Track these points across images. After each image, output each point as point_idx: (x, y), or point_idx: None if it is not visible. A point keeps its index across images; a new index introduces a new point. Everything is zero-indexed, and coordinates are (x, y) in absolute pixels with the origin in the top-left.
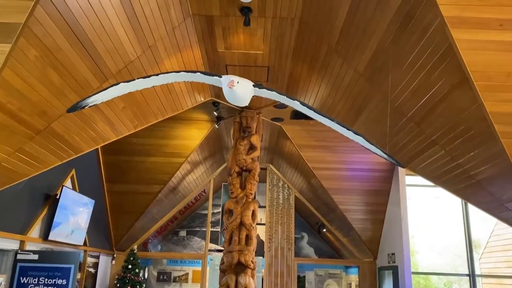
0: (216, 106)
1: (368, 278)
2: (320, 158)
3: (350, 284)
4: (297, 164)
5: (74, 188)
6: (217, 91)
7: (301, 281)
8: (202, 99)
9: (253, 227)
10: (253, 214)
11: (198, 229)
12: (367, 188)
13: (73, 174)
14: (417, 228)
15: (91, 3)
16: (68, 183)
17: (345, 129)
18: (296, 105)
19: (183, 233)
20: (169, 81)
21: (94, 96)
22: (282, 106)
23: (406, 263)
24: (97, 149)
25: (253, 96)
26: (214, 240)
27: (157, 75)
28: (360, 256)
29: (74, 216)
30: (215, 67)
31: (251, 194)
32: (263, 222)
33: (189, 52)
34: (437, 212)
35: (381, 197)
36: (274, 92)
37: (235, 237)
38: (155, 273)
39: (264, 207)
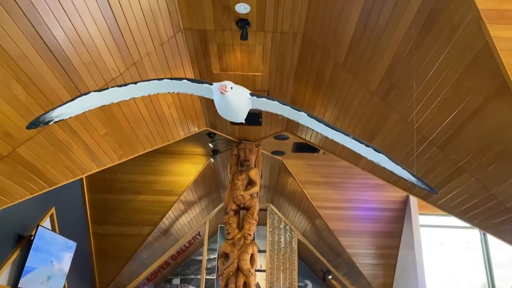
0: (211, 137)
1: None
2: (325, 196)
3: None
4: (300, 203)
5: (53, 229)
6: (213, 120)
7: None
8: (196, 129)
9: (252, 273)
10: (252, 258)
11: (193, 276)
12: (377, 230)
13: (52, 213)
14: (427, 274)
15: (64, 6)
16: (46, 223)
17: (363, 145)
18: (303, 118)
19: (176, 280)
20: (150, 92)
21: (59, 108)
22: (284, 137)
23: None
24: (82, 186)
25: (251, 122)
26: None
27: (135, 83)
28: None
29: (52, 260)
30: None
31: (250, 235)
32: (263, 268)
33: (180, 72)
34: (450, 257)
35: (393, 239)
36: (276, 102)
37: (231, 285)
38: None
39: (264, 251)
